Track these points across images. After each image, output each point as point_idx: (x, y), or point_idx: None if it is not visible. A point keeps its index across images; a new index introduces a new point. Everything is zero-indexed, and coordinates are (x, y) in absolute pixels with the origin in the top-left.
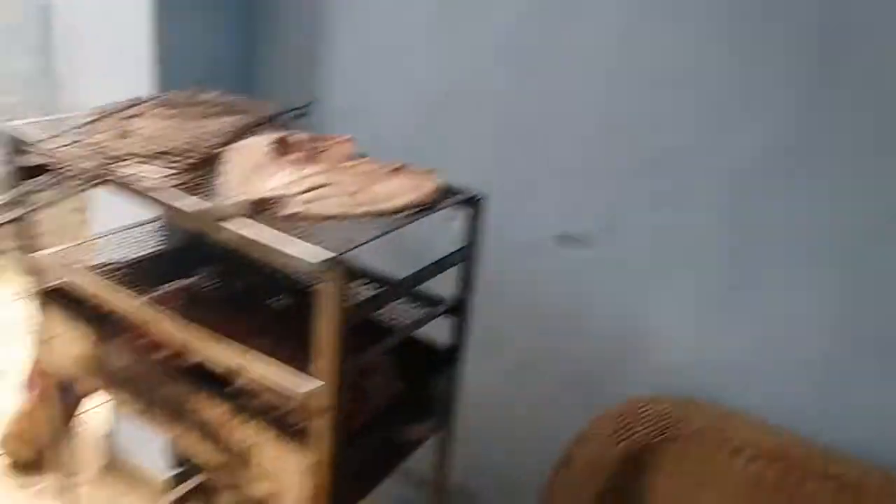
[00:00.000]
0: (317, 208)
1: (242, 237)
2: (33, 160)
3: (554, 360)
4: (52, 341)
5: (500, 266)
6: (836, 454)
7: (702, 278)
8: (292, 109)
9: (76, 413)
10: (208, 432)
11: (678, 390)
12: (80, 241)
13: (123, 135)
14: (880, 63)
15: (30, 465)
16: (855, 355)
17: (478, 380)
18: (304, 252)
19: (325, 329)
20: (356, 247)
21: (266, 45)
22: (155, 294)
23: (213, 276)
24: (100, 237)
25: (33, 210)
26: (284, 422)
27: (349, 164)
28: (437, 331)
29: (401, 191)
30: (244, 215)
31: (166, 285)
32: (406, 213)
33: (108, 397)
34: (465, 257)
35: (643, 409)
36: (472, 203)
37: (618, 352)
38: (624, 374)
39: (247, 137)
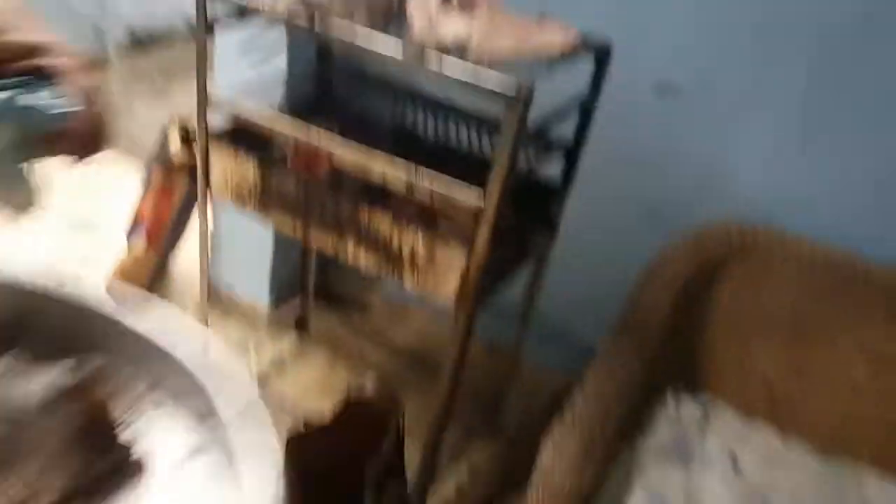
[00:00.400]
0: (492, 50)
1: (441, 73)
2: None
3: (639, 195)
4: (214, 171)
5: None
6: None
7: (780, 125)
8: None
9: (177, 248)
10: (375, 241)
11: (750, 219)
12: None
13: None
14: None
15: None
16: None
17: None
18: (498, 82)
19: (504, 148)
20: (537, 78)
21: None
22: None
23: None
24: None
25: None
26: (448, 227)
27: (503, 15)
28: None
29: (552, 37)
30: (438, 55)
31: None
32: (560, 56)
33: (269, 221)
34: (586, 103)
35: (718, 230)
36: (603, 52)
37: (698, 186)
38: (703, 207)
39: None
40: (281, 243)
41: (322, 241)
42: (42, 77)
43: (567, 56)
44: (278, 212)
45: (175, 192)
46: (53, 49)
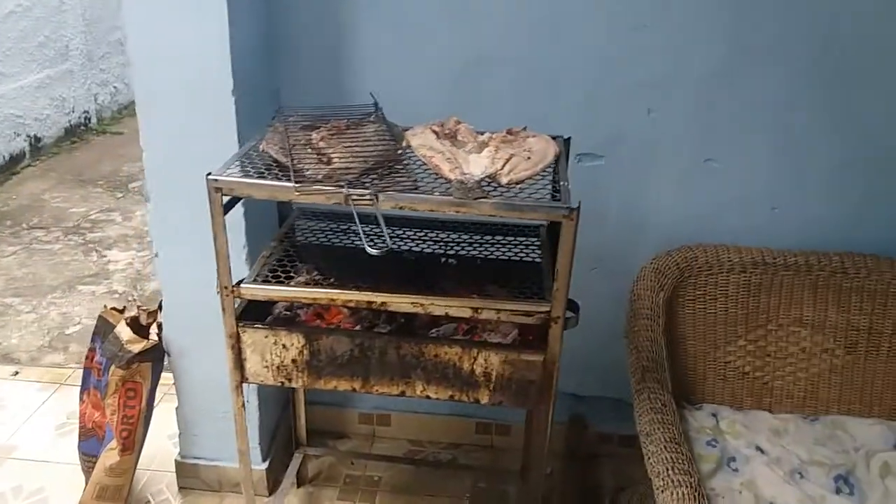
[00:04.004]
0: (518, 175)
1: (499, 205)
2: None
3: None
4: (250, 357)
5: None
6: (790, 251)
7: (679, 167)
8: (376, 105)
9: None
10: (445, 372)
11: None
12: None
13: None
14: None
15: None
16: (791, 189)
17: None
18: (551, 205)
19: (565, 256)
20: (569, 192)
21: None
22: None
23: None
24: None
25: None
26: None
27: (495, 136)
28: None
29: (545, 146)
30: (484, 191)
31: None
32: (554, 161)
33: (322, 386)
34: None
35: (665, 259)
36: (567, 143)
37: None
38: (637, 245)
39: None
40: (263, 402)
41: (387, 388)
42: None
43: (557, 159)
44: (332, 376)
45: (142, 384)
46: None
